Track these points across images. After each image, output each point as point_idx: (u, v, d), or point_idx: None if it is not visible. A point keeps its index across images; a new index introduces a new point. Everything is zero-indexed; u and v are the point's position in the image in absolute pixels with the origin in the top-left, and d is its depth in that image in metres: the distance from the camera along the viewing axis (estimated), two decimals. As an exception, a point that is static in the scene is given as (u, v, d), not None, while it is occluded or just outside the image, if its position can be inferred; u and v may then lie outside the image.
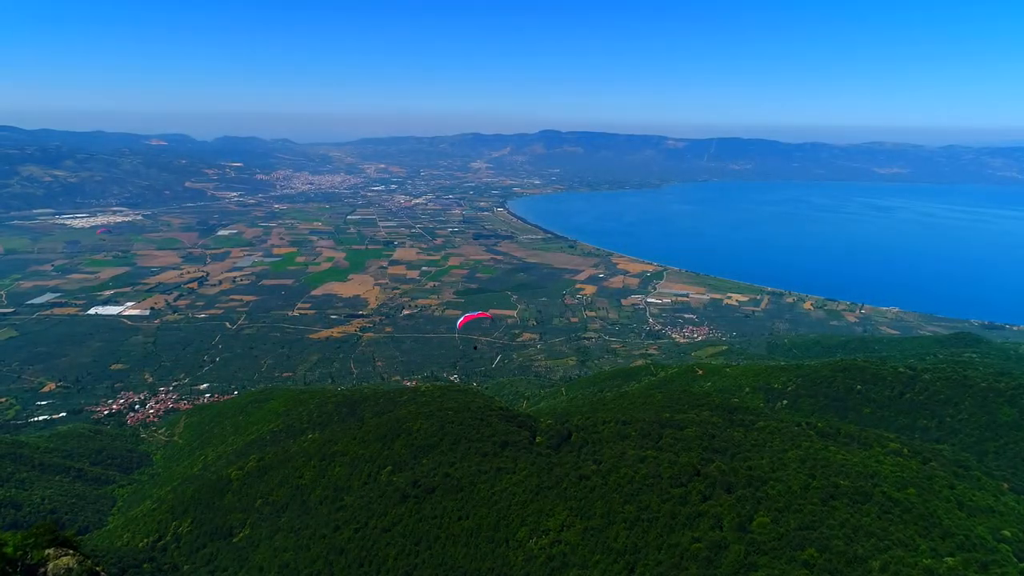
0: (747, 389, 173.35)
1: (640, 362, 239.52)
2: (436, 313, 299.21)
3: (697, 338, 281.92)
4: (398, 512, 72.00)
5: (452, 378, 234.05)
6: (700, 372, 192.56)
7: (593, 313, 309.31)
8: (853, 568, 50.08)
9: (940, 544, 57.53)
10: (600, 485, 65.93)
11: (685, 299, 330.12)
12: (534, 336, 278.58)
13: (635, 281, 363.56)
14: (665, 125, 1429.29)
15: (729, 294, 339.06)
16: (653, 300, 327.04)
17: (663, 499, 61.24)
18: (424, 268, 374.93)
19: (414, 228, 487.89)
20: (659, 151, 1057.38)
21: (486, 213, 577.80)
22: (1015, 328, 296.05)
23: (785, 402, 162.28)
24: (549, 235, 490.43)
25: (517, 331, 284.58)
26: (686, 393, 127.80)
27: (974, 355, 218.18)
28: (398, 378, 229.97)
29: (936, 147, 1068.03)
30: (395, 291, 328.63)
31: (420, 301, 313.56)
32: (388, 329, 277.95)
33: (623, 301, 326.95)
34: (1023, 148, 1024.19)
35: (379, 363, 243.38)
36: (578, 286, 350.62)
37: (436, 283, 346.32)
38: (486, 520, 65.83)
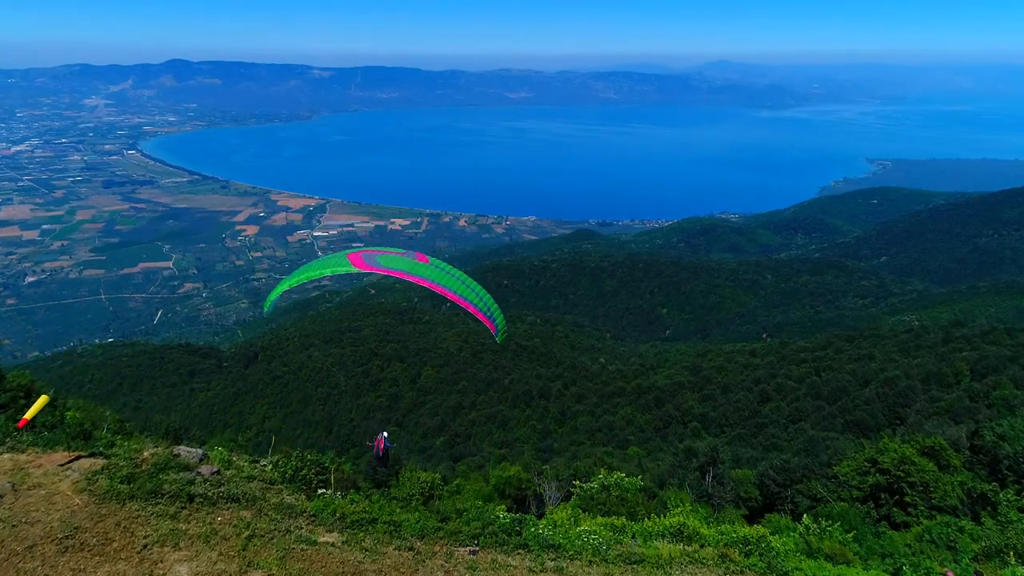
0: (416, 299, 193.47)
1: (315, 293, 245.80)
2: (72, 276, 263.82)
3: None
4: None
5: (107, 342, 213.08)
6: (373, 292, 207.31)
7: (259, 253, 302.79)
8: (493, 387, 67.75)
9: (554, 369, 78.98)
10: (293, 380, 74.17)
11: (351, 228, 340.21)
12: (197, 285, 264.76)
13: (298, 216, 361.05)
14: (309, 54, 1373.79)
15: (392, 220, 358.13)
16: (320, 233, 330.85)
17: (349, 376, 72.42)
18: (46, 227, 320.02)
19: (21, 180, 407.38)
20: (305, 81, 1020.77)
21: (115, 157, 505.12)
22: (619, 223, 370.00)
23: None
24: (196, 176, 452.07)
25: (176, 282, 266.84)
26: (361, 306, 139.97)
27: (589, 246, 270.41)
28: (36, 353, 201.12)
29: (553, 72, 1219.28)
30: (11, 256, 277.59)
31: (48, 264, 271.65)
32: (12, 301, 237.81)
33: (289, 238, 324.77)
34: (619, 72, 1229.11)
35: (5, 341, 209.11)
36: (239, 227, 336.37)
37: (65, 242, 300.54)
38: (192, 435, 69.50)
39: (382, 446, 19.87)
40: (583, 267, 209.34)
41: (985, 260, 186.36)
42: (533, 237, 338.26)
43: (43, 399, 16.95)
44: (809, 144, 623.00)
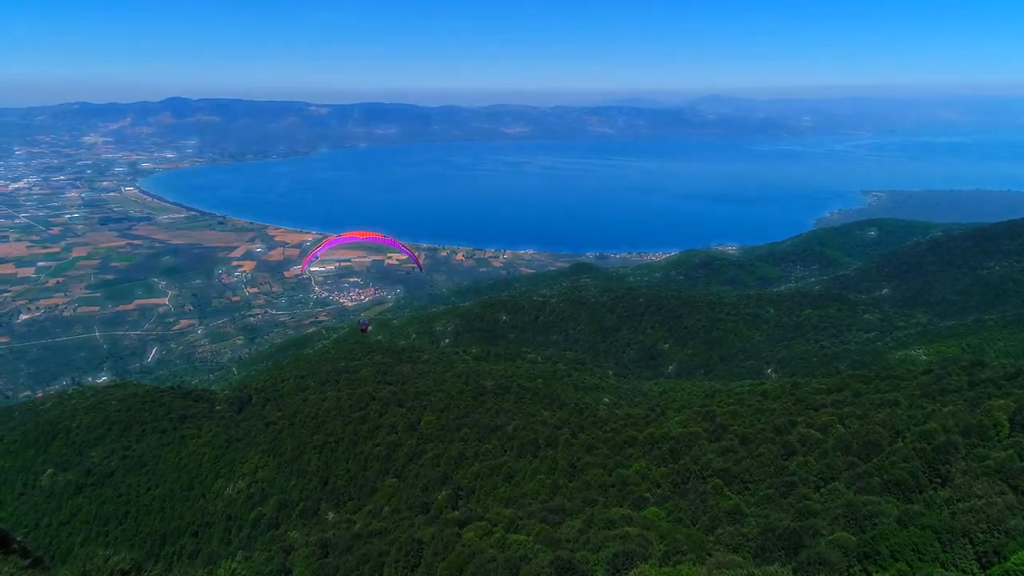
0: (414, 335, 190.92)
1: (312, 330, 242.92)
2: (67, 313, 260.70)
3: (364, 299, 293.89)
4: (75, 503, 67.52)
5: (101, 380, 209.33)
6: (370, 328, 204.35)
7: (255, 289, 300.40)
8: (496, 433, 64.83)
9: (560, 414, 76.14)
10: (287, 426, 71.22)
11: (348, 264, 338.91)
12: (192, 322, 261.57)
13: (295, 252, 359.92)
14: (306, 91, 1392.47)
15: (389, 254, 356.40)
16: (316, 269, 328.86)
17: (346, 422, 69.50)
18: (41, 264, 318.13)
19: (17, 218, 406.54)
20: (303, 117, 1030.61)
21: (113, 194, 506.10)
22: (617, 255, 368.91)
23: (447, 341, 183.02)
24: (194, 212, 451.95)
25: (172, 319, 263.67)
26: (358, 344, 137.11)
27: (588, 280, 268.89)
28: (28, 393, 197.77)
29: (548, 107, 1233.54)
30: (5, 294, 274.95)
31: (43, 302, 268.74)
32: (4, 339, 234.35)
33: (285, 273, 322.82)
34: (613, 107, 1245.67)
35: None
36: (235, 263, 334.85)
37: (60, 279, 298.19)
38: (178, 483, 66.41)
39: None
40: (583, 302, 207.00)
41: (988, 292, 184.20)
42: (531, 271, 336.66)
43: None
44: (803, 176, 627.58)
